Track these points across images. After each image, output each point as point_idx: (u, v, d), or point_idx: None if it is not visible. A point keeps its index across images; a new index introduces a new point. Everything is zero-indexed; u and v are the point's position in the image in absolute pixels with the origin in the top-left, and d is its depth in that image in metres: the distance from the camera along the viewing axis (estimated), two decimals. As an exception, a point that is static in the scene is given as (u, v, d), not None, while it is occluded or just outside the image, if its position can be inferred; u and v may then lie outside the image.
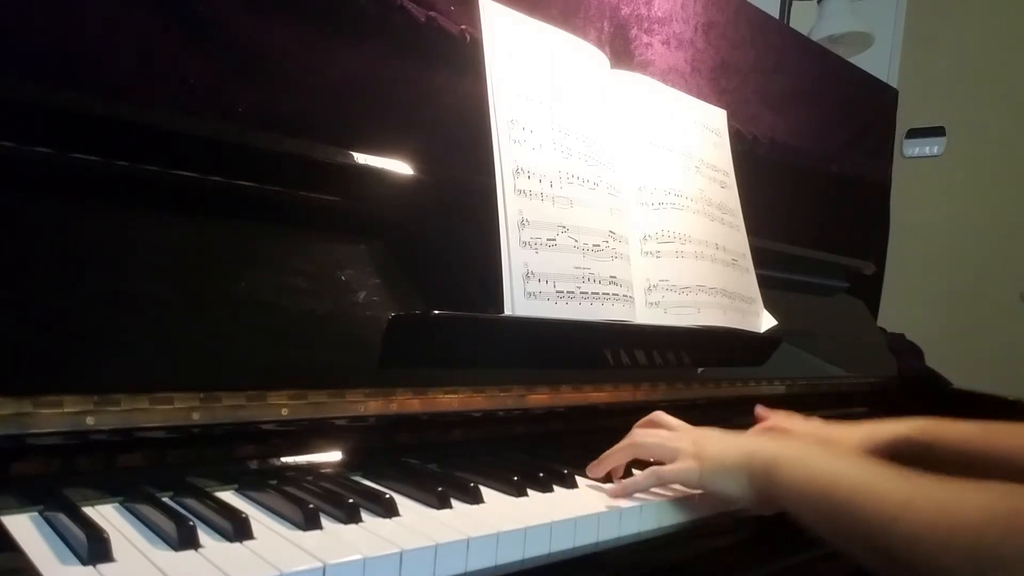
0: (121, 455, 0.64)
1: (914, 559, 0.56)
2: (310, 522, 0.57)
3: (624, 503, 0.71)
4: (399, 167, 0.86)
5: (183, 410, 0.64)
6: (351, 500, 0.61)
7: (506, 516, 0.64)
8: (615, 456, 0.78)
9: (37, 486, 0.59)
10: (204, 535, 0.54)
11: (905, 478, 0.62)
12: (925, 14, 2.84)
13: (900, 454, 0.94)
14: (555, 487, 0.74)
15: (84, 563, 0.48)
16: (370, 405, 0.75)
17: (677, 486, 0.77)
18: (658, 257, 1.05)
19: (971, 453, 0.87)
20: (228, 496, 0.65)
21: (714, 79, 1.35)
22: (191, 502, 0.60)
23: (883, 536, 0.58)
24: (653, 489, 0.75)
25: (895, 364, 1.57)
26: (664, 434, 0.79)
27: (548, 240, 0.88)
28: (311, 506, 0.58)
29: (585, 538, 0.66)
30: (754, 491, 0.71)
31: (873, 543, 0.60)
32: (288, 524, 0.58)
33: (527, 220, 0.87)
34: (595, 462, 0.79)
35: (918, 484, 0.60)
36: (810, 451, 0.72)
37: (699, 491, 0.76)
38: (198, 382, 0.65)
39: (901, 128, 2.10)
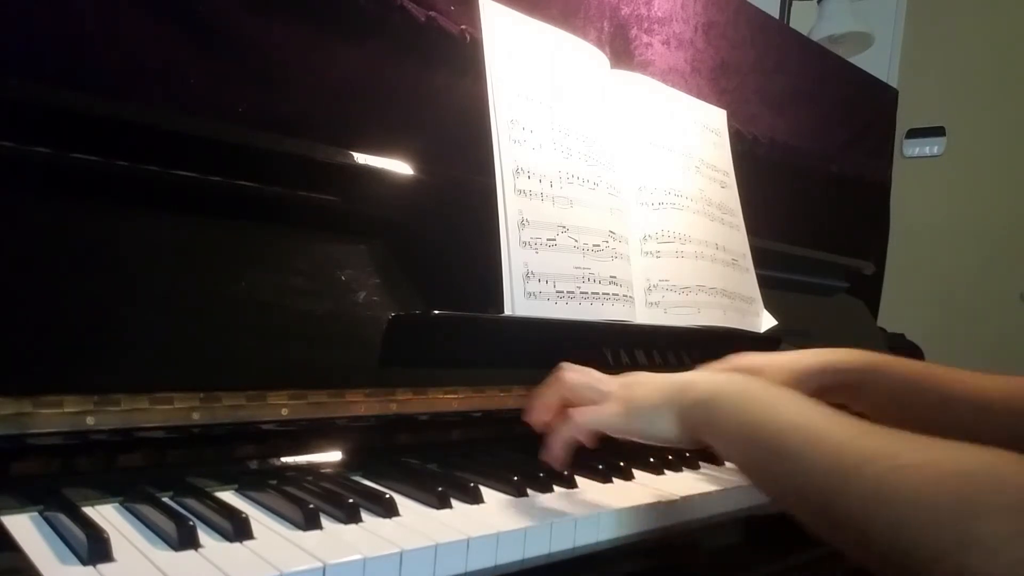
0: (121, 455, 0.64)
1: (870, 520, 0.49)
2: (310, 522, 0.57)
3: (627, 503, 0.71)
4: (399, 167, 0.86)
5: (183, 410, 0.64)
6: (351, 500, 0.61)
7: (506, 516, 0.64)
8: (544, 398, 0.73)
9: (37, 486, 0.59)
10: (204, 535, 0.54)
11: (870, 432, 0.54)
12: (925, 14, 2.85)
13: (834, 384, 0.87)
14: (555, 487, 0.74)
15: (84, 563, 0.48)
16: (370, 405, 0.75)
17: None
18: (658, 257, 1.05)
19: (912, 389, 0.82)
20: (228, 496, 0.65)
21: (714, 79, 1.35)
22: (191, 502, 0.60)
23: (835, 495, 0.52)
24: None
25: (895, 364, 1.57)
26: (595, 375, 0.72)
27: (548, 240, 0.88)
28: (311, 506, 0.58)
29: (586, 538, 0.66)
30: (685, 429, 0.65)
31: (821, 501, 0.53)
32: (288, 524, 0.58)
33: (527, 220, 0.87)
34: (527, 409, 0.74)
35: (886, 440, 0.53)
36: (754, 388, 0.64)
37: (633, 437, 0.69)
38: (198, 382, 0.65)
39: (901, 128, 2.11)
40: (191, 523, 0.53)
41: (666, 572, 0.77)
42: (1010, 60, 2.63)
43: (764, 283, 1.22)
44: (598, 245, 0.94)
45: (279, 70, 0.85)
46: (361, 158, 0.83)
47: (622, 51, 1.19)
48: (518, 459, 0.85)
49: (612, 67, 1.08)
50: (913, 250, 2.46)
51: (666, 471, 0.85)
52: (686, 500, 0.76)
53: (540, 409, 0.74)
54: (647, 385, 0.69)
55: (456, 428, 0.86)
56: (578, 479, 0.77)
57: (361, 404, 0.74)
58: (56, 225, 0.64)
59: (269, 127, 0.80)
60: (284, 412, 0.69)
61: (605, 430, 0.69)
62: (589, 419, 0.68)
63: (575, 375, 0.72)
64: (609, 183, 0.99)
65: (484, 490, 0.69)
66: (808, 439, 0.56)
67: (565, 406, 0.73)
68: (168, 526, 0.53)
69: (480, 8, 0.90)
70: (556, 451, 0.68)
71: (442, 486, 0.67)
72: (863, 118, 1.76)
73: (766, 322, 1.20)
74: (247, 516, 0.55)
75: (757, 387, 0.65)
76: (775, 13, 1.91)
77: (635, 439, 0.69)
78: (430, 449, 0.82)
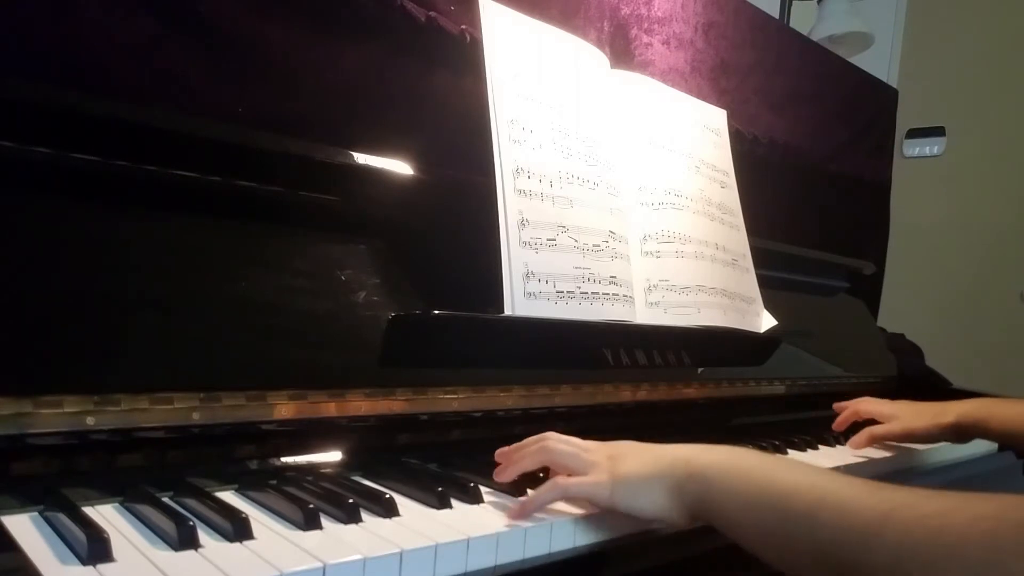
0: (121, 455, 0.64)
1: (901, 571, 0.49)
2: (310, 522, 0.57)
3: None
4: (399, 167, 0.86)
5: (183, 410, 0.64)
6: (351, 500, 0.61)
7: (507, 516, 0.64)
8: (524, 462, 0.70)
9: (37, 486, 0.59)
10: (204, 535, 0.54)
11: (880, 488, 0.55)
12: (925, 14, 2.84)
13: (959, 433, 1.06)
14: (555, 487, 0.74)
15: (84, 563, 0.48)
16: (370, 405, 0.75)
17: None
18: (658, 257, 1.05)
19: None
20: (228, 496, 0.65)
21: (714, 79, 1.35)
22: (191, 502, 0.60)
23: (858, 551, 0.52)
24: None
25: (895, 364, 1.57)
26: (579, 443, 0.71)
27: (548, 240, 0.88)
28: (311, 506, 0.58)
29: (586, 537, 0.66)
30: (680, 504, 0.64)
31: (843, 559, 0.53)
32: (288, 524, 0.58)
33: (527, 220, 0.87)
34: (502, 466, 0.71)
35: (899, 494, 0.53)
36: (755, 457, 0.64)
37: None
38: (198, 382, 0.65)
39: (901, 128, 2.10)
40: (191, 523, 0.53)
41: (672, 570, 0.77)
42: (1010, 60, 2.63)
43: (764, 283, 1.22)
44: (598, 245, 0.94)
45: (279, 70, 0.85)
46: (361, 158, 0.83)
47: (622, 51, 1.19)
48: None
49: (612, 67, 1.08)
50: (913, 250, 2.46)
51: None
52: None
53: (515, 473, 0.71)
54: (636, 457, 0.67)
55: (456, 428, 0.85)
56: (578, 479, 0.77)
57: (361, 404, 0.74)
58: (56, 225, 0.64)
59: (269, 127, 0.80)
60: (284, 412, 0.69)
61: (590, 501, 0.67)
62: (575, 490, 0.66)
63: (560, 444, 0.70)
64: (609, 183, 0.99)
65: (484, 490, 0.69)
66: (822, 498, 0.56)
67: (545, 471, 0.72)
68: (168, 526, 0.53)
69: (480, 8, 0.90)
70: (530, 513, 0.65)
71: (442, 486, 0.67)
72: (863, 118, 1.76)
73: (766, 322, 1.20)
74: (247, 516, 0.55)
75: (755, 456, 0.65)
76: (775, 13, 1.91)
77: (620, 512, 0.66)
78: (430, 449, 0.82)
